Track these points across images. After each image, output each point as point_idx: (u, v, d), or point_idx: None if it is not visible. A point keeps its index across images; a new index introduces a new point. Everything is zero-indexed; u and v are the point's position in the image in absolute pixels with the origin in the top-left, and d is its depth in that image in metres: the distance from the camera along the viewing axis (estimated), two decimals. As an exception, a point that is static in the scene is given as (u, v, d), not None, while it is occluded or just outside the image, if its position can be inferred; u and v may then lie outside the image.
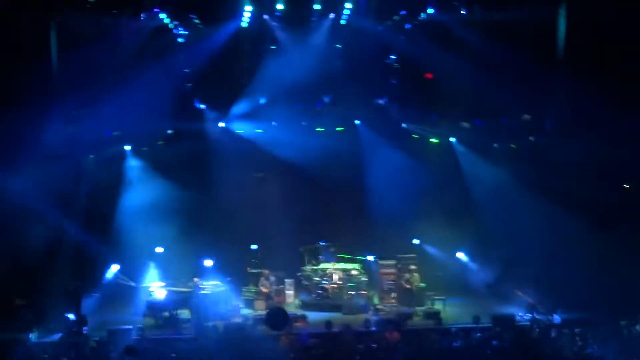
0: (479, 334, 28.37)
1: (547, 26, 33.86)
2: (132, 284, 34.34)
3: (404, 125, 37.53)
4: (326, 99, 37.29)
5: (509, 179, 35.27)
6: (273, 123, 37.17)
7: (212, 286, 33.72)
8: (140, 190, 35.98)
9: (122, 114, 34.13)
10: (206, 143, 36.79)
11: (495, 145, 36.80)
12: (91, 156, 35.79)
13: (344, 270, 35.15)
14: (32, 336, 30.30)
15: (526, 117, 35.87)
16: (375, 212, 35.88)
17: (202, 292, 33.12)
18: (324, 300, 34.69)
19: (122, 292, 34.34)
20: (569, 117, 33.95)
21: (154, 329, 31.61)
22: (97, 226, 34.57)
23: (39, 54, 32.60)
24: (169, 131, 36.97)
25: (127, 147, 36.53)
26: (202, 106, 37.06)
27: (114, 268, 34.21)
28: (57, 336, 29.39)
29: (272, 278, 34.69)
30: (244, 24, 35.60)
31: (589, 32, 32.33)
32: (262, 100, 36.73)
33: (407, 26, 36.17)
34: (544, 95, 34.52)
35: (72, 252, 33.91)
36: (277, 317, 30.75)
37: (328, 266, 35.39)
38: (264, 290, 34.26)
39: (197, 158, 36.38)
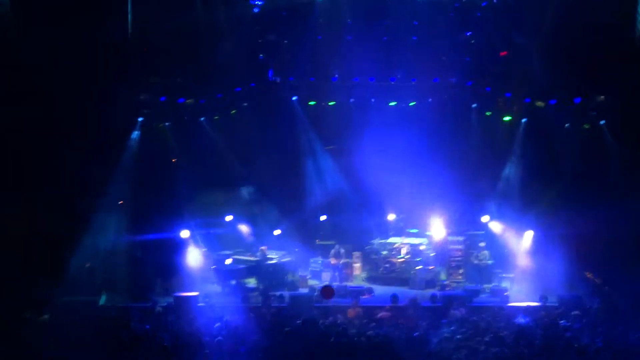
0: (543, 313, 28.30)
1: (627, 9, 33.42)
2: (203, 249, 34.65)
3: (474, 105, 37.13)
4: (399, 75, 37.05)
5: (577, 157, 35.18)
6: (351, 100, 37.07)
7: (279, 256, 34.01)
8: (211, 158, 36.23)
9: (196, 82, 34.52)
10: (278, 114, 36.81)
11: (567, 125, 36.28)
12: (167, 123, 36.05)
13: (412, 244, 35.22)
14: (101, 300, 30.79)
15: (600, 98, 35.42)
16: (445, 187, 35.76)
17: (270, 261, 33.44)
18: (391, 274, 34.77)
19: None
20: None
21: (220, 297, 31.95)
22: (166, 192, 35.02)
23: (115, 19, 33.05)
24: (245, 104, 36.98)
25: (201, 118, 36.68)
26: (276, 78, 37.06)
27: (185, 233, 34.42)
28: (124, 300, 29.69)
29: (342, 250, 34.78)
30: (320, -3, 35.68)
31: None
32: (336, 74, 36.65)
33: (484, 3, 35.86)
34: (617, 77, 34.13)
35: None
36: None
37: (396, 240, 35.45)
38: (333, 261, 34.36)
39: (269, 129, 36.45)
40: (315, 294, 31.25)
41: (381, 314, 28.27)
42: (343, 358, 23.42)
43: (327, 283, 31.90)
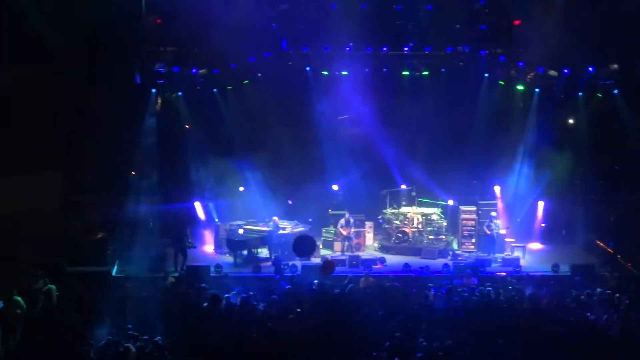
0: (552, 282, 28.41)
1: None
2: (216, 220, 34.83)
3: (487, 75, 36.85)
4: (412, 44, 36.79)
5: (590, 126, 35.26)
6: (366, 69, 36.73)
7: (291, 225, 34.09)
8: (224, 129, 36.23)
9: (209, 52, 34.46)
10: (292, 84, 36.60)
11: (580, 94, 36.12)
12: (179, 93, 36.06)
13: (424, 214, 35.30)
14: (113, 270, 30.93)
15: (614, 67, 35.24)
16: (458, 157, 35.77)
17: (282, 231, 33.52)
18: (403, 243, 34.83)
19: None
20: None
21: (233, 267, 32.17)
22: (178, 162, 35.13)
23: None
24: (258, 74, 36.69)
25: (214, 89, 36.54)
26: (289, 48, 36.80)
27: (197, 203, 34.65)
28: (136, 270, 29.79)
29: (352, 220, 34.78)
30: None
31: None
32: (349, 43, 36.42)
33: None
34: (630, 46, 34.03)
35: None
36: (303, 244, 31.12)
37: (409, 210, 35.50)
38: (343, 231, 34.40)
39: (282, 99, 36.29)
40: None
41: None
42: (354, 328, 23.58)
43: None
